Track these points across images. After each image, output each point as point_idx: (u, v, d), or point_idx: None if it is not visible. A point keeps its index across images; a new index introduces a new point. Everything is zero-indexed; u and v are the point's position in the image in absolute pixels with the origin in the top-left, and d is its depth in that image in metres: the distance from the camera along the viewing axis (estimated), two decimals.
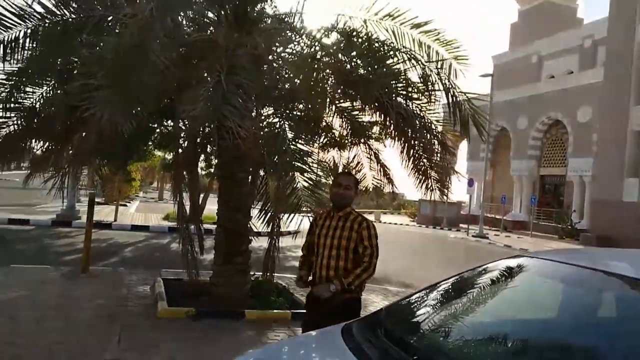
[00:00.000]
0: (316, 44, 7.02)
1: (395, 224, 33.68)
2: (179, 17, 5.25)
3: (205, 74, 5.70)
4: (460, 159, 39.27)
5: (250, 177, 7.40)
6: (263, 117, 10.79)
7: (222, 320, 5.82)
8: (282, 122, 9.10)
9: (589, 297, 2.25)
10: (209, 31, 6.27)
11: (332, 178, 6.94)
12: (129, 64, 4.49)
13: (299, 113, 8.27)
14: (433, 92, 6.36)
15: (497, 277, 2.68)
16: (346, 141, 8.52)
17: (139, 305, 6.26)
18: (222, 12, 6.45)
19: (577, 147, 27.59)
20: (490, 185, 38.05)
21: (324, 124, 8.60)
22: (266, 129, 14.08)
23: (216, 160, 7.80)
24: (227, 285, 6.49)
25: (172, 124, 7.40)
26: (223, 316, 5.98)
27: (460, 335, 2.21)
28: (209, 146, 7.65)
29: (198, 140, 6.94)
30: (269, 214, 6.97)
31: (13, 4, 6.08)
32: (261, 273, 7.08)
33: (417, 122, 6.18)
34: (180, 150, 7.08)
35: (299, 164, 16.31)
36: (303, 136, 10.15)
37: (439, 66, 7.39)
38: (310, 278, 3.53)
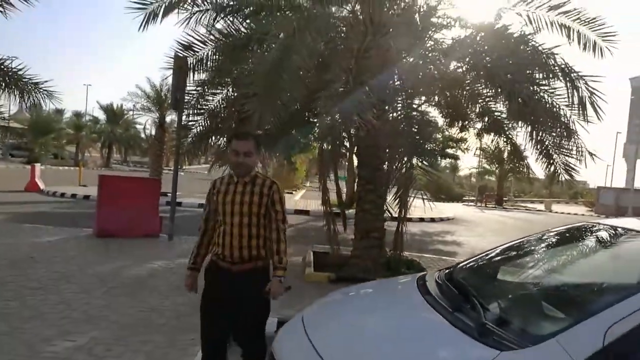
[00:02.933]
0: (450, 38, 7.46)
1: (569, 213, 30.83)
2: (316, 33, 6.15)
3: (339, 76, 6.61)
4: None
5: (386, 163, 8.13)
6: (415, 106, 11.50)
7: (357, 284, 6.73)
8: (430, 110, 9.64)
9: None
10: (341, 36, 7.17)
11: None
12: (274, 75, 5.66)
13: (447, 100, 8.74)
14: (554, 76, 6.32)
15: (556, 241, 3.09)
16: (505, 124, 8.46)
17: (292, 270, 7.53)
18: (357, 19, 7.30)
19: None
20: None
21: (477, 110, 8.93)
22: (418, 117, 14.69)
23: (356, 150, 8.71)
24: (364, 257, 7.40)
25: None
26: (358, 281, 6.87)
27: (512, 285, 2.70)
28: (346, 139, 8.59)
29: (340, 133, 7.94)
30: (401, 196, 7.62)
31: (199, 33, 7.90)
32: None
33: (540, 107, 6.24)
34: (324, 143, 8.17)
35: (448, 150, 16.31)
36: (456, 123, 10.60)
37: (582, 47, 7.25)
38: (220, 251, 2.90)
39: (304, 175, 29.51)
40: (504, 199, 42.34)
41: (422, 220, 18.76)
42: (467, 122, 9.99)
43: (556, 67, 6.30)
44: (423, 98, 9.58)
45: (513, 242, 3.21)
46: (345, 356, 2.08)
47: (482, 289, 2.56)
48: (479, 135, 10.75)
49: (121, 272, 6.43)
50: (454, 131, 15.17)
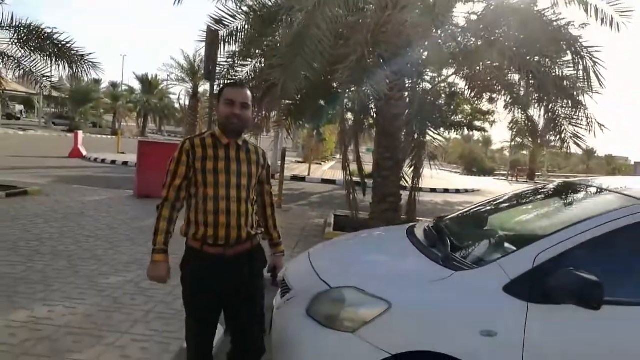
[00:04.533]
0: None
1: None
2: (337, 8, 6.58)
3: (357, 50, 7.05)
4: None
5: (404, 132, 8.57)
6: (443, 78, 11.80)
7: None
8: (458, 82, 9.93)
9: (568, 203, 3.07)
10: (364, 10, 7.57)
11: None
12: (296, 47, 6.18)
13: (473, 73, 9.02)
14: (562, 50, 6.61)
15: (526, 196, 3.59)
16: (532, 99, 8.68)
17: (313, 230, 8.20)
18: None
19: None
20: None
21: (504, 83, 9.19)
22: (446, 89, 14.99)
23: (376, 120, 9.12)
24: (380, 219, 7.96)
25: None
26: None
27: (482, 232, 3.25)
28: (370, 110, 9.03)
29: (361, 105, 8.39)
30: (414, 164, 8.09)
31: (229, 8, 8.45)
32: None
33: (548, 79, 6.56)
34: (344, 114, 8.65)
35: (477, 123, 16.55)
36: (484, 95, 10.88)
37: (600, 21, 7.47)
38: (210, 233, 2.34)
39: (333, 147, 30.01)
40: (537, 173, 41.89)
41: (446, 191, 19.12)
42: (494, 95, 10.28)
43: (564, 41, 6.58)
44: (451, 70, 9.93)
45: (490, 199, 3.74)
46: (332, 267, 2.71)
47: (456, 233, 3.12)
48: (507, 107, 11.00)
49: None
50: (483, 103, 15.33)
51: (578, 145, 7.18)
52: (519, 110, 8.52)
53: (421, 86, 9.36)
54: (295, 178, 17.93)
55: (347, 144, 8.72)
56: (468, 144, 52.25)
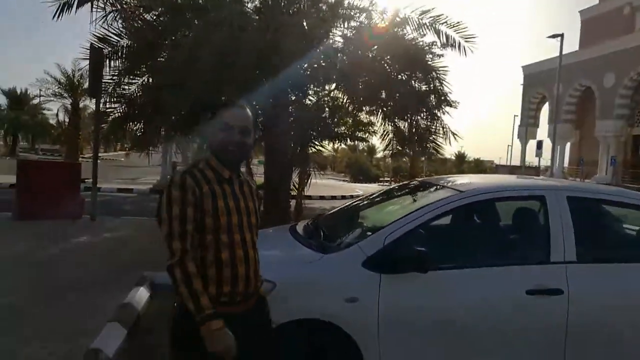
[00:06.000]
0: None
1: None
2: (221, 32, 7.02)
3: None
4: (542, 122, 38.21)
5: (292, 144, 9.23)
6: (326, 92, 12.65)
7: None
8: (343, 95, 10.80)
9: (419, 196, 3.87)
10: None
11: None
12: (184, 70, 6.55)
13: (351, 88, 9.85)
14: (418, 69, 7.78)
15: (389, 193, 4.37)
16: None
17: None
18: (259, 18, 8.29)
19: None
20: (578, 148, 36.80)
21: (384, 95, 10.17)
22: (330, 103, 15.91)
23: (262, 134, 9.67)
24: (269, 226, 8.52)
25: None
26: None
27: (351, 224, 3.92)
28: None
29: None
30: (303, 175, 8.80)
31: (114, 27, 8.56)
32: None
33: (410, 95, 7.66)
34: None
35: (360, 134, 17.77)
36: (365, 108, 11.85)
37: (450, 46, 8.75)
38: (226, 290, 1.92)
39: None
40: (417, 178, 45.39)
41: (333, 197, 20.27)
42: (373, 108, 11.34)
43: (419, 62, 7.74)
44: (334, 85, 10.79)
45: (361, 198, 4.48)
46: None
47: (329, 226, 3.78)
48: (385, 118, 12.14)
49: (47, 248, 7.08)
50: (364, 116, 16.59)
51: (437, 152, 8.39)
52: (389, 123, 9.62)
53: (305, 101, 10.10)
54: None
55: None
56: (354, 154, 54.88)
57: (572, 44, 40.17)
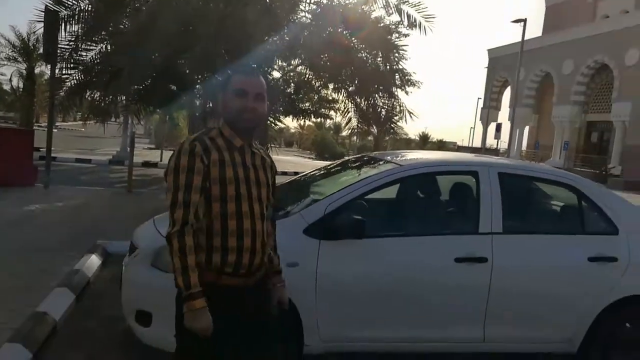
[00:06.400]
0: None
1: None
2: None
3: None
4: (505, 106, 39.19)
5: None
6: (291, 67, 12.61)
7: None
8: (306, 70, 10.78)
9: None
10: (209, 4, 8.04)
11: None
12: (142, 36, 6.46)
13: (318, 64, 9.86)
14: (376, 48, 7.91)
15: (338, 166, 4.52)
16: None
17: (165, 210, 8.52)
18: None
19: (622, 92, 27.20)
20: (536, 132, 37.98)
21: (350, 72, 10.22)
22: (294, 78, 15.91)
23: None
24: None
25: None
26: None
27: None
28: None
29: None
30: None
31: None
32: None
33: (367, 72, 7.79)
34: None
35: (325, 111, 17.83)
36: (330, 85, 11.89)
37: (411, 25, 8.89)
38: (232, 260, 1.86)
39: (187, 133, 29.60)
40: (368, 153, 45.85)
41: (296, 173, 20.44)
42: (339, 84, 11.42)
43: (379, 41, 7.87)
44: (298, 60, 10.79)
45: (311, 171, 4.62)
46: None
47: (279, 195, 3.89)
48: (348, 96, 12.26)
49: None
50: (329, 92, 16.65)
51: (395, 131, 8.61)
52: (351, 100, 9.76)
53: (271, 76, 10.09)
54: (147, 164, 17.68)
55: (197, 130, 9.16)
56: (320, 131, 54.94)
57: (539, 29, 41.06)
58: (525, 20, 23.09)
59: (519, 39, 24.44)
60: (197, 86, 9.76)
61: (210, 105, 9.29)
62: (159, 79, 8.38)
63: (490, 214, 3.30)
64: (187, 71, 8.06)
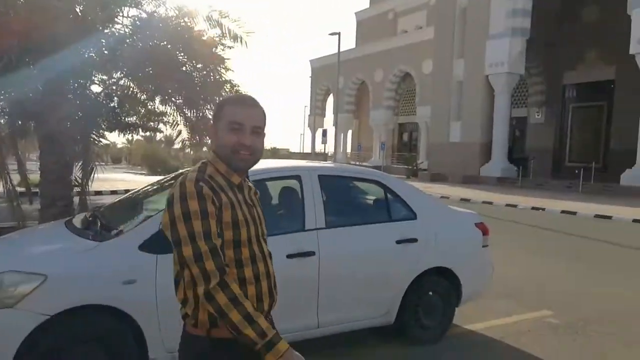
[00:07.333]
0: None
1: None
2: None
3: None
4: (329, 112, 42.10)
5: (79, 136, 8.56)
6: (114, 80, 11.82)
7: None
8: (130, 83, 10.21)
9: None
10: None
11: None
12: None
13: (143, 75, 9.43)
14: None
15: (174, 181, 4.54)
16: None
17: None
18: None
19: (422, 97, 31.32)
20: (357, 135, 41.57)
21: (176, 85, 9.91)
22: (117, 92, 14.90)
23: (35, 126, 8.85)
24: None
25: None
26: None
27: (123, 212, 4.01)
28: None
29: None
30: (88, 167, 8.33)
31: None
32: None
33: (191, 85, 7.88)
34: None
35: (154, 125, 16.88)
36: (157, 98, 11.42)
37: (232, 39, 9.14)
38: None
39: None
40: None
41: (127, 191, 19.32)
42: (166, 97, 11.10)
43: (202, 55, 8.01)
44: (120, 73, 10.24)
45: (142, 188, 4.59)
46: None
47: (109, 215, 3.83)
48: (177, 109, 11.99)
49: None
50: (157, 105, 15.99)
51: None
52: (179, 113, 9.67)
53: (90, 90, 9.46)
54: None
55: (4, 150, 8.18)
56: (151, 145, 52.41)
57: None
58: (339, 34, 25.22)
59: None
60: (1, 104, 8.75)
61: (20, 123, 8.40)
62: None
63: (314, 211, 3.72)
64: None
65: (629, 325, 4.90)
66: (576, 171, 21.26)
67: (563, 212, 14.46)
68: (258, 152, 1.69)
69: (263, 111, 1.71)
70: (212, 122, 1.73)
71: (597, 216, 13.54)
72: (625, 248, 9.30)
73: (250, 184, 1.80)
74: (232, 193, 1.65)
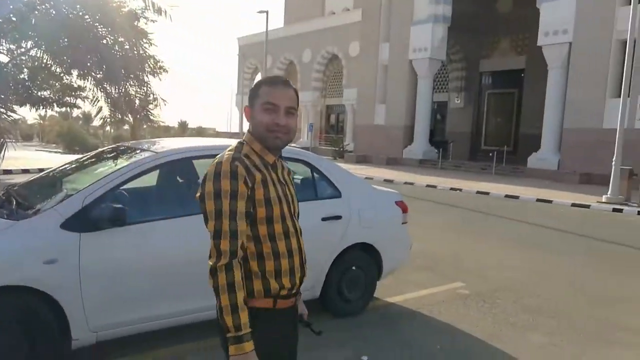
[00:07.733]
0: None
1: None
2: None
3: None
4: None
5: None
6: (23, 50, 10.96)
7: None
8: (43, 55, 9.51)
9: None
10: None
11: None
12: None
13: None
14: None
15: (99, 158, 4.40)
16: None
17: None
18: None
19: (349, 79, 31.77)
20: None
21: (95, 59, 9.33)
22: (28, 63, 13.95)
23: None
24: None
25: None
26: None
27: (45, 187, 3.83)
28: None
29: None
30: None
31: None
32: None
33: (112, 59, 7.55)
34: None
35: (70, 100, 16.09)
36: (74, 72, 10.71)
37: (157, 12, 8.82)
38: (284, 284, 1.75)
39: None
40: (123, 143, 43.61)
41: (41, 170, 18.12)
42: (85, 71, 10.47)
43: (124, 27, 7.69)
44: (30, 43, 9.52)
45: (61, 165, 4.40)
46: None
47: (25, 194, 3.66)
48: (97, 84, 11.37)
49: None
50: (74, 79, 15.13)
51: (150, 119, 8.53)
52: (100, 88, 9.23)
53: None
54: None
55: None
56: (67, 122, 49.18)
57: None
58: (267, 12, 24.87)
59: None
60: None
61: None
62: None
63: None
64: None
65: (528, 293, 5.45)
66: (490, 154, 22.72)
67: (478, 192, 15.47)
68: (292, 132, 1.76)
69: (296, 92, 1.78)
70: (247, 103, 1.79)
71: (507, 196, 14.64)
72: (530, 224, 10.19)
73: (284, 164, 1.86)
74: (267, 171, 1.72)
